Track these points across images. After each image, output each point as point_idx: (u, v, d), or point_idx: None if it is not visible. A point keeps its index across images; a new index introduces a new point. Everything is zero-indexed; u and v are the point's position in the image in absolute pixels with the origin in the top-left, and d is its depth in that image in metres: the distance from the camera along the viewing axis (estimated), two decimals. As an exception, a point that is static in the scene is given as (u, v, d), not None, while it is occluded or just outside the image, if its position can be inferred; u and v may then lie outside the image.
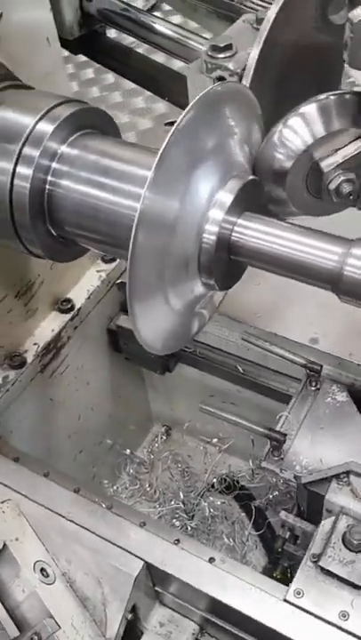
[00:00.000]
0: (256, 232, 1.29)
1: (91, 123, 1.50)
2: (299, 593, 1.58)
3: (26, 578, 1.67)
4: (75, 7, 2.26)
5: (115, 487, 2.88)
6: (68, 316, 2.20)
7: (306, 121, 1.35)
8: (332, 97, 1.34)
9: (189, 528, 2.71)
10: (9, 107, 1.48)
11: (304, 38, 1.43)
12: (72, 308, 2.22)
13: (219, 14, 2.03)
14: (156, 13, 4.00)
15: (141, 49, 2.39)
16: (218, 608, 1.67)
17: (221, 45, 1.51)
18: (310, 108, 1.34)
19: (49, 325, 2.19)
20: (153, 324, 1.30)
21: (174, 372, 2.55)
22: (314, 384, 1.79)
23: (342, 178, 1.33)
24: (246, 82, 1.34)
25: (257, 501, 2.68)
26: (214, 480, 2.79)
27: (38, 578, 1.67)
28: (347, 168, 1.34)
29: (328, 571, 1.58)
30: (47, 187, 1.42)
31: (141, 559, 1.68)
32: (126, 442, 2.93)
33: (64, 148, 1.44)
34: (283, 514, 1.85)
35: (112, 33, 2.46)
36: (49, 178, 1.42)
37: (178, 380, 2.68)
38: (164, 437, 3.05)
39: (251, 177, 1.34)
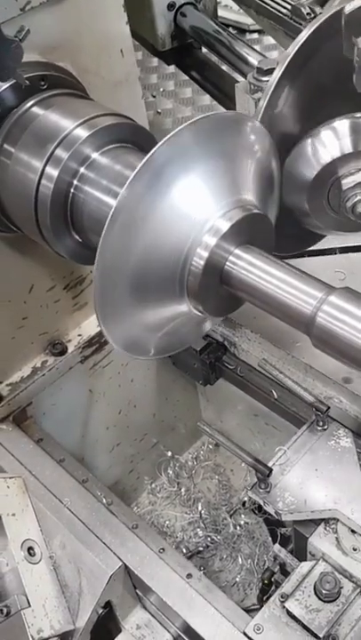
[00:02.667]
0: (247, 264, 1.30)
1: (130, 138, 1.56)
2: (259, 629, 1.57)
3: (11, 553, 1.77)
4: (169, 20, 2.33)
5: (153, 485, 2.95)
6: (117, 315, 2.28)
7: (336, 135, 1.35)
8: None
9: (211, 540, 2.72)
10: (55, 110, 1.57)
11: (340, 64, 1.39)
12: (122, 307, 2.30)
13: (291, 37, 2.01)
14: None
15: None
16: (183, 625, 1.69)
17: (265, 68, 1.52)
18: (343, 124, 1.34)
19: (96, 320, 2.27)
20: (124, 330, 1.35)
21: (224, 385, 2.57)
22: (321, 424, 1.75)
23: (359, 197, 1.32)
24: (263, 101, 1.34)
25: (284, 529, 2.64)
26: (245, 499, 2.78)
27: (23, 555, 1.76)
28: None
29: (292, 614, 1.55)
30: (72, 190, 1.50)
31: (120, 560, 1.74)
32: (174, 443, 2.98)
33: (96, 156, 1.50)
34: (276, 547, 1.83)
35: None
36: (75, 182, 1.49)
37: (226, 393, 2.69)
38: (211, 447, 3.07)
39: (257, 211, 1.34)
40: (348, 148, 1.32)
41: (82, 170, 1.50)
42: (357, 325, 1.15)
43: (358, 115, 1.31)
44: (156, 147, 1.19)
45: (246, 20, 3.94)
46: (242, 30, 4.21)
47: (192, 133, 1.22)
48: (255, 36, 4.10)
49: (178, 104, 3.64)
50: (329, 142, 1.33)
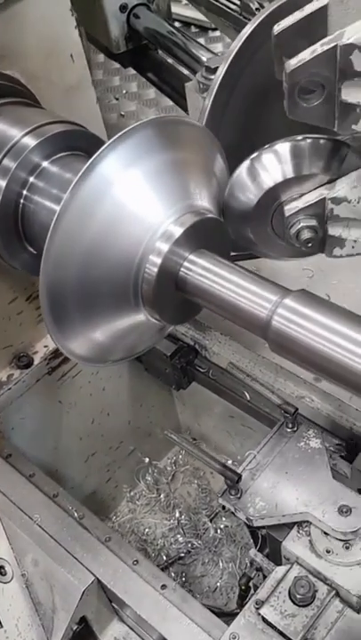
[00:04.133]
0: (201, 269, 1.27)
1: (82, 145, 1.53)
2: (235, 637, 1.54)
3: (-19, 572, 1.73)
4: (122, 22, 2.29)
5: (132, 492, 2.91)
6: (83, 323, 2.25)
7: (278, 159, 1.30)
8: (308, 140, 1.28)
9: (192, 546, 2.69)
10: (2, 120, 1.53)
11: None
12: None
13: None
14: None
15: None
16: (160, 638, 1.66)
17: (213, 67, 1.50)
18: (284, 147, 1.29)
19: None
20: (80, 344, 1.31)
21: (198, 388, 2.54)
22: (290, 425, 1.73)
23: (302, 224, 1.26)
24: (208, 100, 1.31)
25: (265, 530, 2.62)
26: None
27: (-7, 575, 1.73)
28: (309, 214, 1.27)
29: (267, 620, 1.53)
30: (22, 201, 1.47)
31: (93, 574, 1.70)
32: (152, 449, 2.95)
33: (46, 164, 1.47)
34: (252, 552, 1.81)
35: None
36: (25, 192, 1.46)
37: (201, 396, 2.66)
38: (189, 451, 3.03)
39: (210, 215, 1.31)
40: (290, 173, 1.27)
41: (31, 179, 1.46)
42: (313, 328, 1.12)
43: (299, 137, 1.26)
44: (99, 151, 1.16)
45: (208, 18, 3.92)
46: (204, 28, 4.18)
47: (136, 138, 1.19)
48: (217, 33, 4.07)
49: (142, 106, 3.60)
50: (271, 166, 1.27)
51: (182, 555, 2.69)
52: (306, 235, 1.27)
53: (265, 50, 1.26)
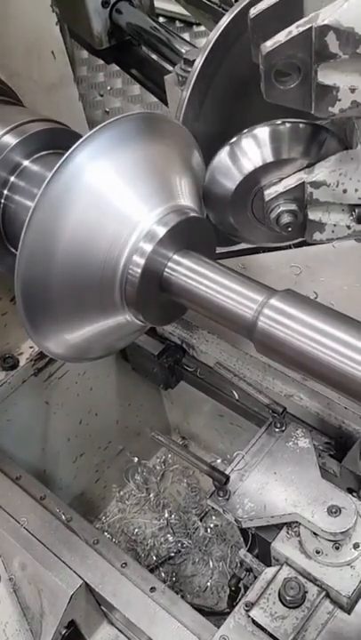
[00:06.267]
0: (186, 269, 1.25)
1: (63, 144, 1.49)
2: (224, 640, 1.52)
3: (-33, 578, 1.71)
4: (104, 18, 2.26)
5: (122, 492, 2.90)
6: (68, 324, 2.22)
7: (257, 143, 1.28)
8: (287, 124, 1.27)
9: (182, 545, 2.68)
10: (-19, 120, 1.50)
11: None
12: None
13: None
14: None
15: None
16: (148, 639, 1.64)
17: (191, 59, 1.47)
18: (263, 132, 1.28)
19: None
20: (61, 344, 1.29)
21: (187, 387, 2.52)
22: (279, 425, 1.71)
23: (282, 208, 1.25)
24: (186, 92, 1.28)
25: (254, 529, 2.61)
26: (214, 501, 2.74)
27: (-20, 580, 1.71)
28: (289, 199, 1.25)
29: (257, 623, 1.51)
30: (3, 201, 1.44)
31: (81, 578, 1.69)
32: (141, 448, 2.94)
33: (27, 163, 1.45)
34: (242, 552, 1.79)
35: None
36: (5, 192, 1.43)
37: (190, 395, 2.65)
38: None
39: (194, 214, 1.29)
40: (270, 157, 1.25)
41: (12, 179, 1.44)
42: (299, 329, 1.10)
43: (279, 122, 1.25)
44: (74, 147, 1.13)
45: (192, 12, 3.88)
46: (188, 23, 4.14)
47: (114, 133, 1.17)
48: (202, 28, 4.04)
49: (126, 102, 3.57)
50: (250, 150, 1.26)
51: (172, 554, 2.68)
52: (286, 219, 1.26)
53: (243, 41, 1.23)
